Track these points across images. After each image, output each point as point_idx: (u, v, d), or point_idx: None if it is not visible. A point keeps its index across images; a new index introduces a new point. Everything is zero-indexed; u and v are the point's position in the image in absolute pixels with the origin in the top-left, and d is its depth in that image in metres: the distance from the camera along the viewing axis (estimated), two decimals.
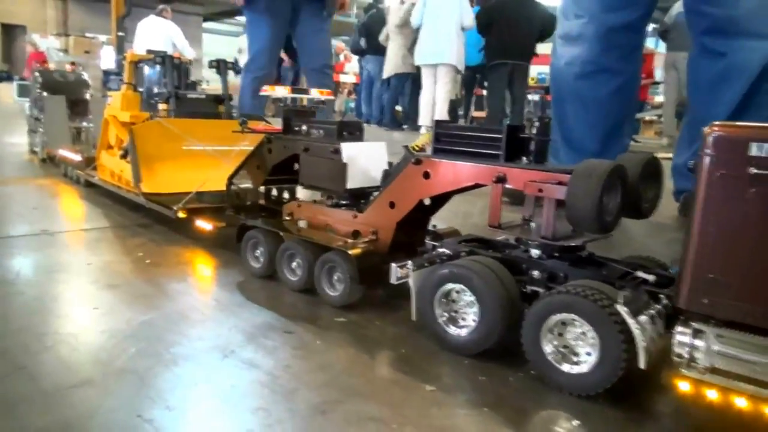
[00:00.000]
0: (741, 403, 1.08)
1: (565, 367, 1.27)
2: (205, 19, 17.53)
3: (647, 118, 9.74)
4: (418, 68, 6.93)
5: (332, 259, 1.72)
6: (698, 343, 1.13)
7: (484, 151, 1.59)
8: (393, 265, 1.56)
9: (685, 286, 1.15)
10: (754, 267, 1.07)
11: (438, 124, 1.71)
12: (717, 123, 1.12)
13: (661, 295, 1.29)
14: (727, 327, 1.11)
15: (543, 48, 6.53)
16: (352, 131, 1.99)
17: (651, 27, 7.69)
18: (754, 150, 1.05)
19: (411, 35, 7.06)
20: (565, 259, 1.44)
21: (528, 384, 1.31)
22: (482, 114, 7.82)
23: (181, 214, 2.36)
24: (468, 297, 1.43)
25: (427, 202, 1.74)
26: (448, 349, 1.45)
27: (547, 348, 1.29)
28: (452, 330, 1.46)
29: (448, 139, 1.68)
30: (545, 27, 6.29)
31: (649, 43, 9.04)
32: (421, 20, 6.52)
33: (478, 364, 1.39)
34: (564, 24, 2.87)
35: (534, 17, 6.37)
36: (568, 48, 2.87)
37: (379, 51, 7.87)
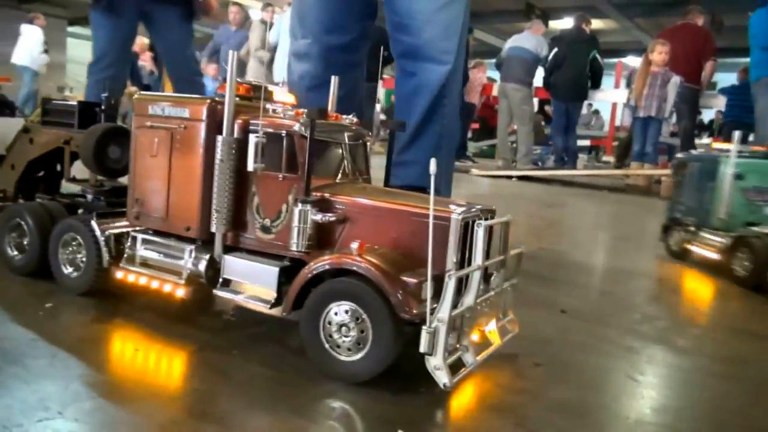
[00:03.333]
0: (155, 284, 1.58)
1: (68, 270, 1.73)
2: (71, 23, 17.03)
3: None
4: None
5: None
6: (135, 245, 1.62)
7: (68, 121, 2.04)
8: None
9: (128, 209, 1.64)
10: (154, 189, 1.58)
11: (44, 101, 2.15)
12: (138, 93, 1.63)
13: None
14: (153, 234, 1.61)
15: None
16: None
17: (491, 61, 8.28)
18: (150, 110, 1.57)
19: (268, 56, 7.11)
20: (109, 200, 1.91)
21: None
22: None
23: None
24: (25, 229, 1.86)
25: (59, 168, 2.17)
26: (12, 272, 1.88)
27: (64, 266, 1.74)
28: (13, 253, 1.88)
29: (53, 113, 2.11)
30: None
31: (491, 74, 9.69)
32: (278, 38, 6.58)
33: (33, 281, 1.82)
34: (293, 43, 3.35)
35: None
36: (298, 64, 3.32)
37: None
